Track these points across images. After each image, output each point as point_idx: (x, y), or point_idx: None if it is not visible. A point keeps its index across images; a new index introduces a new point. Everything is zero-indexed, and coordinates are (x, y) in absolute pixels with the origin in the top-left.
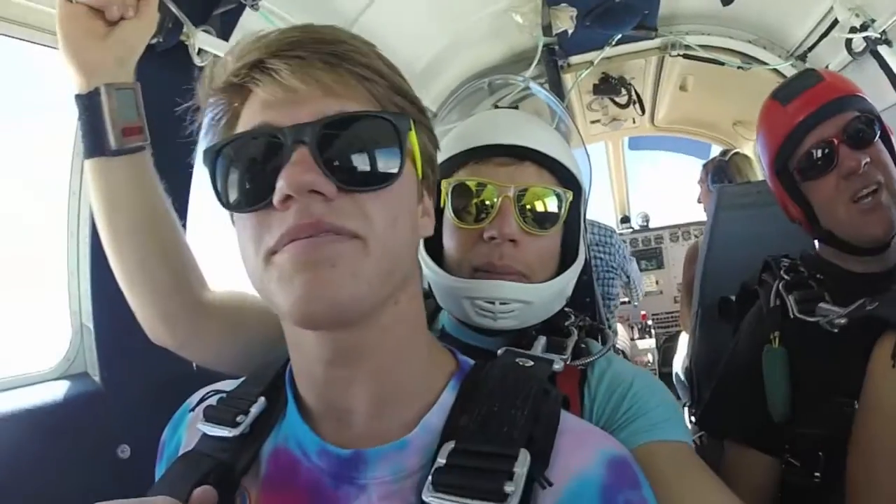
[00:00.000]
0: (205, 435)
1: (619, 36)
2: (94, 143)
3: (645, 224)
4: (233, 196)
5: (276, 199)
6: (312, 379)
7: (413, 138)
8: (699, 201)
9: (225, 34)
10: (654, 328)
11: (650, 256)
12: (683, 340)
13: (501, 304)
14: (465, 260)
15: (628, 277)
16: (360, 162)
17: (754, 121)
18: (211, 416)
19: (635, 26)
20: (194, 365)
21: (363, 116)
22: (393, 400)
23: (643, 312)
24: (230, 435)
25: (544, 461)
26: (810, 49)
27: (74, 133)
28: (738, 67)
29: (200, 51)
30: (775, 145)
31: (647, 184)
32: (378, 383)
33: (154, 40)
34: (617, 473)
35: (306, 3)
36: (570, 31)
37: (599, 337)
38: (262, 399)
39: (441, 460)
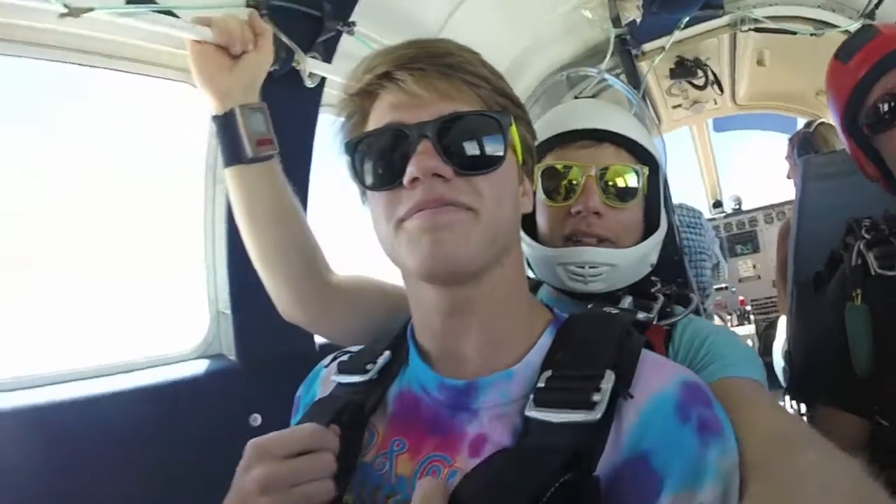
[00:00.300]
0: (338, 384)
1: (688, 18)
2: (233, 153)
3: (737, 207)
4: (369, 179)
5: (406, 180)
6: (432, 329)
7: (513, 131)
8: (788, 177)
9: (328, 57)
10: (753, 314)
11: (745, 240)
12: (783, 325)
13: (591, 267)
14: (557, 232)
15: (717, 259)
16: (472, 150)
17: None
18: (344, 368)
19: (702, 6)
20: (316, 346)
21: (473, 114)
22: (499, 344)
23: (741, 298)
24: (361, 380)
25: (627, 382)
26: (877, 6)
27: (206, 150)
28: (811, 34)
29: (310, 74)
30: (842, 103)
31: (737, 166)
32: (486, 331)
33: (272, 68)
34: (691, 393)
35: (395, 24)
36: (638, 20)
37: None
38: (387, 352)
39: (540, 384)
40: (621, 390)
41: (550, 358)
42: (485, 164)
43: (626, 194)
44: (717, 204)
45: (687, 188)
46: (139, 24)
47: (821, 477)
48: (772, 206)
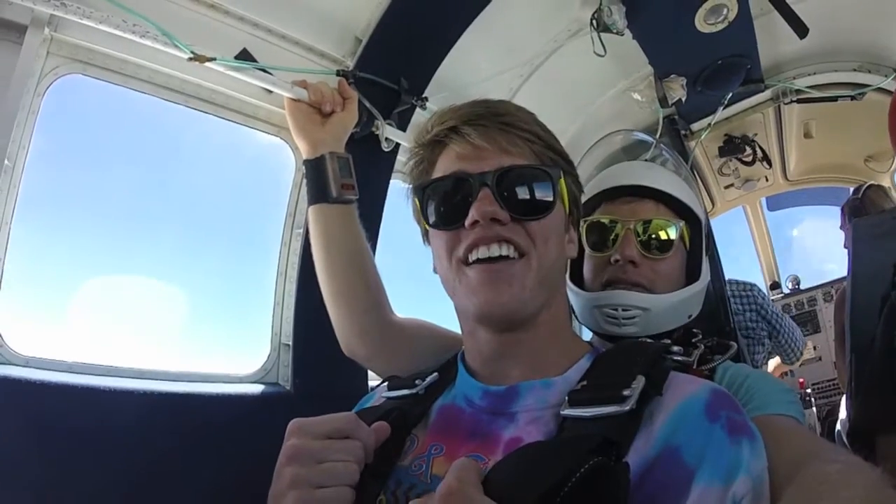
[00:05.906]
0: (387, 399)
1: (731, 94)
2: (319, 193)
3: (795, 287)
4: (433, 218)
5: (467, 222)
6: (482, 357)
7: (562, 183)
8: (845, 247)
9: (402, 126)
10: (814, 397)
11: (804, 321)
12: (844, 407)
13: (624, 310)
14: (598, 279)
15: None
16: (525, 198)
17: (884, 152)
18: (394, 385)
19: (743, 82)
20: (369, 386)
21: (527, 167)
22: (540, 369)
23: (801, 379)
24: (408, 393)
25: (657, 388)
26: None
27: (287, 198)
28: (851, 98)
29: (386, 138)
30: None
31: (794, 245)
32: (530, 361)
33: (354, 129)
34: (720, 398)
35: (461, 102)
36: (683, 99)
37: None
38: (435, 373)
39: (576, 387)
40: (651, 391)
41: (587, 375)
42: (536, 210)
43: (662, 246)
44: (775, 285)
45: (743, 270)
46: (247, 80)
47: (846, 479)
48: (830, 283)
